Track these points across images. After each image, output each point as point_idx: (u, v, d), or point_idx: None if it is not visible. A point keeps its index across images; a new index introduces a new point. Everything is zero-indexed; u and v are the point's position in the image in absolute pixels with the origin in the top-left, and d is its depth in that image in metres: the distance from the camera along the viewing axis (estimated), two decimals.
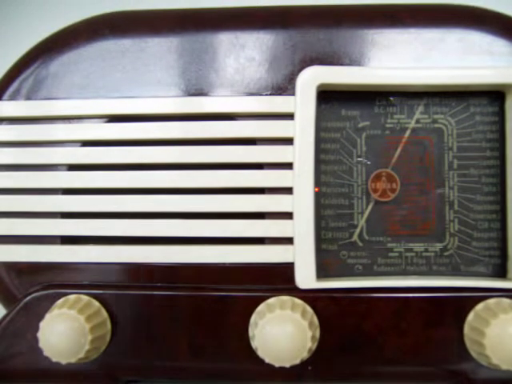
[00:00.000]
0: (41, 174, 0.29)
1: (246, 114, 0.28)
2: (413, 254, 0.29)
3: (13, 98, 0.30)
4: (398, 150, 0.29)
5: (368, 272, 0.29)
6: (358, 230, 0.29)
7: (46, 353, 0.26)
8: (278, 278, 0.28)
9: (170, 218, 0.28)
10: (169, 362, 0.29)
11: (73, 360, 0.26)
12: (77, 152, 0.29)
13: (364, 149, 0.30)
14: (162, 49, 0.29)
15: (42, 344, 0.26)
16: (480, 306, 0.27)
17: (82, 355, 0.26)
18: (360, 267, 0.29)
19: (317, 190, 0.29)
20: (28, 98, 0.30)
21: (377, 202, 0.29)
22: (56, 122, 0.29)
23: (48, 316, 0.27)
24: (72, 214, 0.29)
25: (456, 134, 0.29)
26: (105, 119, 0.29)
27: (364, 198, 0.29)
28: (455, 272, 0.29)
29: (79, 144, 0.29)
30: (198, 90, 0.29)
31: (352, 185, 0.30)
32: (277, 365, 0.26)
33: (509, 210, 0.29)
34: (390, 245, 0.29)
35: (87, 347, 0.26)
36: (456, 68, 0.28)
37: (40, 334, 0.26)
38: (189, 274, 0.28)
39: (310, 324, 0.26)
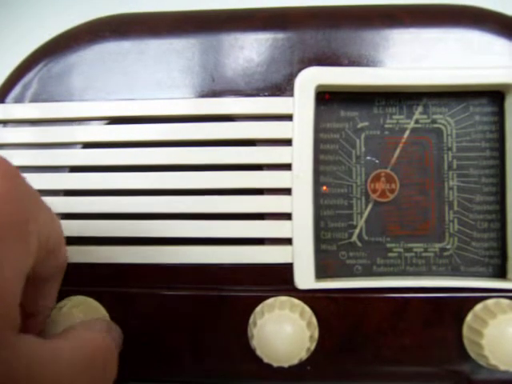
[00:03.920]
0: (43, 176, 0.29)
1: (245, 116, 0.29)
2: (412, 255, 0.29)
3: (16, 100, 0.30)
4: (397, 151, 0.29)
5: (367, 272, 0.29)
6: (357, 231, 0.30)
7: None
8: (277, 279, 0.28)
9: (169, 218, 0.29)
10: (168, 361, 0.29)
11: None
12: (78, 154, 0.29)
13: (363, 149, 0.30)
14: (161, 51, 0.29)
15: None
16: (479, 307, 0.27)
17: None
18: (359, 267, 0.30)
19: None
20: (31, 100, 0.30)
21: (376, 203, 0.29)
22: (58, 124, 0.30)
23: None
24: (74, 215, 0.29)
25: (455, 134, 0.29)
26: (105, 121, 0.29)
27: (363, 198, 0.30)
28: (455, 272, 0.29)
29: (80, 146, 0.30)
30: (197, 92, 0.29)
31: (351, 185, 0.30)
32: (275, 365, 0.26)
33: (509, 210, 0.28)
34: (389, 245, 0.29)
35: None
36: (455, 68, 0.28)
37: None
38: (188, 274, 0.28)
39: (309, 324, 0.27)
